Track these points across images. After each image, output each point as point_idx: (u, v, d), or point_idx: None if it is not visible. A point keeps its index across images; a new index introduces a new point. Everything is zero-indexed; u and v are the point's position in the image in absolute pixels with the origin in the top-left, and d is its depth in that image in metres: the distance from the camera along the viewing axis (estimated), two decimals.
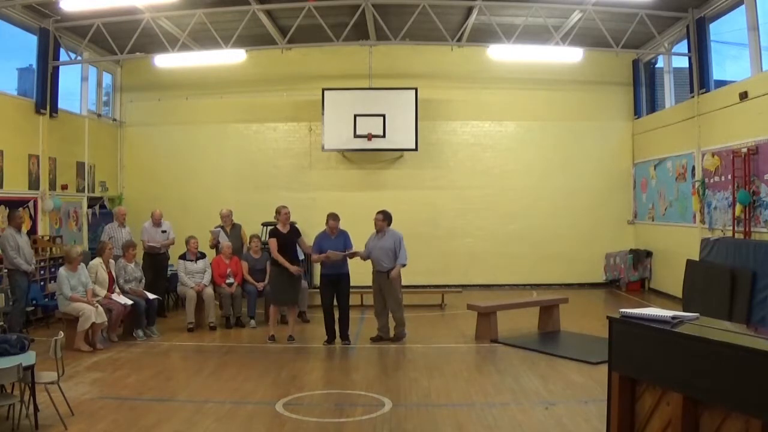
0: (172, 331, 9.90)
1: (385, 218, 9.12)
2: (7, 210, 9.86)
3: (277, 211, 9.12)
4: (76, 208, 12.82)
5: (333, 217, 9.04)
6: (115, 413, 5.93)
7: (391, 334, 9.14)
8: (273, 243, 9.02)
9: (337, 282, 8.93)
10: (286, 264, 8.85)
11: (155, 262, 10.70)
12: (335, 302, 8.96)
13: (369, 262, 9.15)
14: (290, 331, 9.13)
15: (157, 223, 10.90)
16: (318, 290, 9.91)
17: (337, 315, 8.95)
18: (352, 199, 13.59)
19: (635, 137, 14.57)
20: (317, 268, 9.25)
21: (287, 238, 9.00)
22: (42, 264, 10.56)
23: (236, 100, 14.62)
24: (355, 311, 10.36)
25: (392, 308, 9.07)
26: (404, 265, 9.05)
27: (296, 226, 9.23)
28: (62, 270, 8.67)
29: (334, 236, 8.96)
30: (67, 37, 12.26)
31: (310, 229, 13.13)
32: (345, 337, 8.96)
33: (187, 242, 10.38)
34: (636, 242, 14.37)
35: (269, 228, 9.39)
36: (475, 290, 13.74)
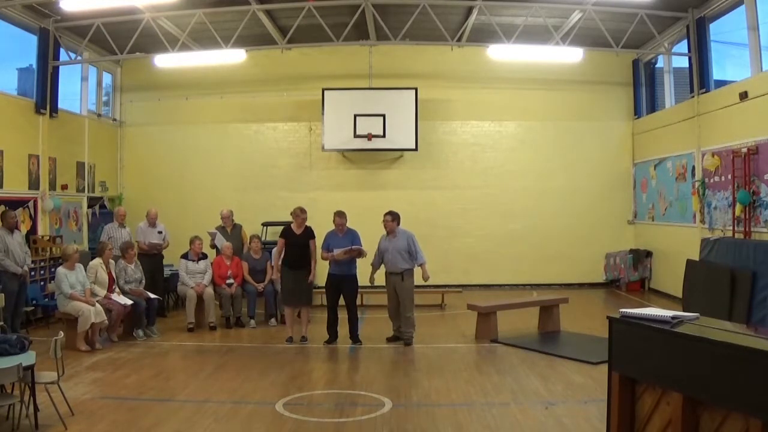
0: (172, 331, 9.91)
1: (394, 219, 8.96)
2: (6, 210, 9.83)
3: (293, 212, 9.08)
4: (76, 208, 12.81)
5: (339, 215, 8.97)
6: (115, 413, 5.93)
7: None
8: (280, 243, 9.07)
9: (341, 283, 8.90)
10: (276, 270, 9.08)
11: (151, 263, 10.66)
12: (340, 303, 8.93)
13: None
14: (304, 332, 9.10)
15: (152, 223, 10.84)
16: (319, 290, 9.92)
17: (343, 316, 8.92)
18: (352, 199, 13.55)
19: (635, 137, 14.57)
20: (319, 270, 9.22)
21: (299, 239, 8.95)
22: (42, 264, 10.56)
23: (236, 100, 14.62)
24: None
25: (405, 309, 8.89)
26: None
27: (312, 230, 9.09)
28: (60, 269, 8.67)
29: (342, 235, 8.92)
30: (67, 37, 12.25)
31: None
32: (355, 338, 8.93)
33: (191, 242, 10.36)
34: (636, 242, 14.37)
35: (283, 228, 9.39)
36: (475, 290, 13.75)
